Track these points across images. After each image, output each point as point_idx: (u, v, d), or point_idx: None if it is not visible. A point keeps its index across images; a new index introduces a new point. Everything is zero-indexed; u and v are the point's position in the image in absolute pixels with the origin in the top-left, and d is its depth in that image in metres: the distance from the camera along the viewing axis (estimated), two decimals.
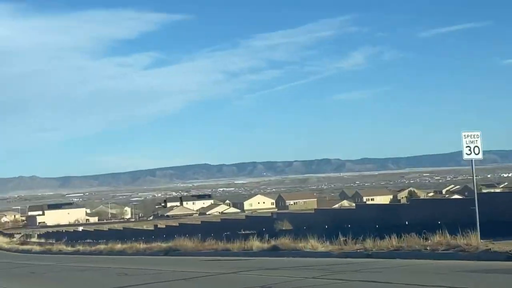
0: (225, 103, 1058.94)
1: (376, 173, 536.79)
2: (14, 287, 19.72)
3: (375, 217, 33.43)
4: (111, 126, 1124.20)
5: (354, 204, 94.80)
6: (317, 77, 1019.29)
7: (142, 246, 37.73)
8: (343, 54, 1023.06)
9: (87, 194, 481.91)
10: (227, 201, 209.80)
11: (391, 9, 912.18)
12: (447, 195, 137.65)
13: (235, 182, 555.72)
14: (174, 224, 66.08)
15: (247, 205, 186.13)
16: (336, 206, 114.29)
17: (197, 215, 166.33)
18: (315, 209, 62.48)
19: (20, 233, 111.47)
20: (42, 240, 74.23)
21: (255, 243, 27.75)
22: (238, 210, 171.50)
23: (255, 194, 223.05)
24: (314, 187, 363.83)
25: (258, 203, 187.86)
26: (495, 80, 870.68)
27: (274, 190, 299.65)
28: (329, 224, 31.54)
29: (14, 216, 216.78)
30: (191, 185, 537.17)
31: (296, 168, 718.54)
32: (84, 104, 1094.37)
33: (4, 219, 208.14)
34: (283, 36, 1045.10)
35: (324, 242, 23.95)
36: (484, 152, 20.78)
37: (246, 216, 69.28)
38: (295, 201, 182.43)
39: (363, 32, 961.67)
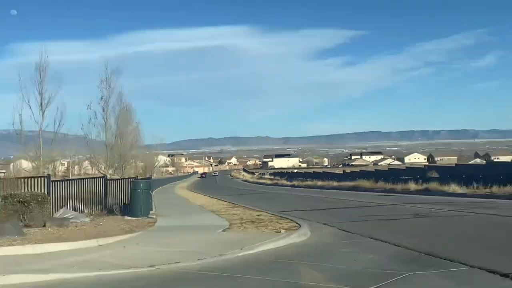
0: None
1: None
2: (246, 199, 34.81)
3: (499, 171, 37.21)
4: None
5: (484, 161, 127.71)
6: None
7: (335, 183, 54.01)
8: None
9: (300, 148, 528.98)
10: (393, 156, 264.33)
11: None
12: None
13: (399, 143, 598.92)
14: (356, 170, 78.51)
15: (406, 159, 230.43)
16: (471, 162, 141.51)
17: (372, 165, 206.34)
18: (455, 164, 76.75)
19: (258, 172, 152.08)
20: (272, 177, 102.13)
21: (412, 185, 37.85)
22: (400, 163, 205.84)
23: (412, 152, 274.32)
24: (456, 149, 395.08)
25: (415, 158, 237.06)
26: None
27: (426, 150, 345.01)
28: (466, 174, 36.64)
29: (255, 161, 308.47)
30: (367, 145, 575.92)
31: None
32: None
33: (248, 162, 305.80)
34: None
35: (462, 186, 32.13)
36: None
37: (406, 167, 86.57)
38: (442, 157, 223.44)
39: None
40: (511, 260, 9.23)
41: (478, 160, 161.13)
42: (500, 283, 7.82)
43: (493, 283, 7.89)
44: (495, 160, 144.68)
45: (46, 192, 17.71)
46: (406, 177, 42.78)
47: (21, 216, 15.12)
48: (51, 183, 18.85)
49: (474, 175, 33.89)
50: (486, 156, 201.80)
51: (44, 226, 15.40)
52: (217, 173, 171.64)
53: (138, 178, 28.60)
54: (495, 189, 28.17)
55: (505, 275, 8.10)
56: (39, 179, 19.15)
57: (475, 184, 30.46)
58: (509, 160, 75.44)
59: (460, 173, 38.25)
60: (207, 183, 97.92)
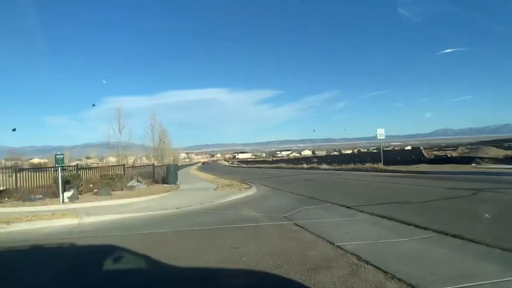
0: None
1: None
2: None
3: (346, 157, 36.41)
4: None
5: (338, 153, 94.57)
6: None
7: (269, 165, 47.35)
8: None
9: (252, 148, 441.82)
10: (296, 152, 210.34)
11: None
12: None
13: (299, 145, 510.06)
14: (279, 159, 69.08)
15: (303, 153, 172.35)
16: (333, 153, 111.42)
17: (286, 156, 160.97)
18: (325, 154, 70.19)
19: (230, 161, 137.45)
20: (238, 163, 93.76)
21: (305, 165, 34.27)
22: (300, 155, 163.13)
23: (305, 149, 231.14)
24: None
25: (307, 152, 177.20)
26: None
27: (311, 148, 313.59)
28: (330, 159, 36.21)
29: (229, 155, 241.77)
30: (284, 146, 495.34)
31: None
32: None
33: (226, 156, 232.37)
34: None
35: (328, 165, 29.96)
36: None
37: (302, 156, 67.90)
38: (319, 151, 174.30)
39: None
40: (352, 200, 9.60)
41: (336, 152, 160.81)
42: (345, 210, 8.25)
43: (342, 210, 8.28)
44: (344, 153, 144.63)
45: (122, 173, 17.52)
46: (302, 161, 42.41)
47: (109, 185, 14.93)
48: (125, 168, 18.68)
49: (334, 159, 34.28)
50: (340, 151, 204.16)
51: (122, 190, 15.20)
52: (210, 162, 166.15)
53: (170, 164, 28.39)
54: (344, 166, 28.12)
55: (348, 207, 8.55)
56: (119, 166, 18.96)
57: (334, 164, 30.60)
58: (350, 152, 75.88)
59: (327, 159, 38.18)
60: (205, 167, 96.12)
